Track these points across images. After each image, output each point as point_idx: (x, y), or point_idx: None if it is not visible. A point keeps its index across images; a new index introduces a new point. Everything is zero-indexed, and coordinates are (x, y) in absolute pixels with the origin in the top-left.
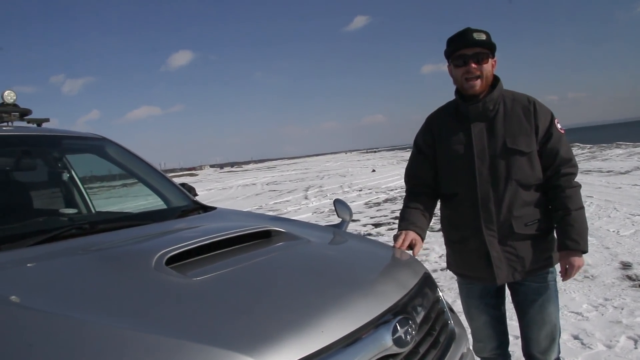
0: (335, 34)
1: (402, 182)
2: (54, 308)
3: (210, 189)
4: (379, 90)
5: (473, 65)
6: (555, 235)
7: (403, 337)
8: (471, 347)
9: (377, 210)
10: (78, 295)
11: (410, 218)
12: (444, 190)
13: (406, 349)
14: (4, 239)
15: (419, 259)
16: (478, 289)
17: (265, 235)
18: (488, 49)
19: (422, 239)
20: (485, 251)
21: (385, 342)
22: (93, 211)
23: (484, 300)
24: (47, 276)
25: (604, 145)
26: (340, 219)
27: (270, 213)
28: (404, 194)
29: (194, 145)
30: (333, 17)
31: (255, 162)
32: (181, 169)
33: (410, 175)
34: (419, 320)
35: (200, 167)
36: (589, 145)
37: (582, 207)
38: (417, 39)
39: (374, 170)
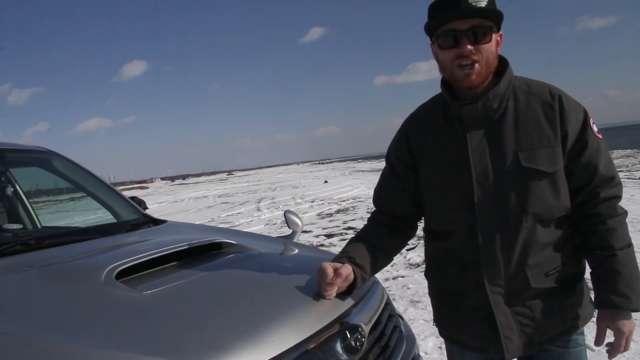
0: (292, 45)
1: (354, 193)
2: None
3: (162, 202)
4: (333, 101)
5: (468, 45)
6: (585, 283)
7: (353, 345)
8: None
9: (330, 221)
10: (23, 312)
11: (350, 251)
12: (430, 227)
13: (356, 356)
14: None
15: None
16: None
17: (216, 248)
18: (491, 19)
19: (360, 280)
20: (488, 313)
21: (336, 350)
22: (39, 226)
23: None
24: None
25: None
26: (291, 230)
27: (223, 226)
28: (358, 205)
29: (145, 157)
30: (290, 29)
31: (207, 174)
32: (131, 182)
33: (377, 199)
34: (368, 327)
35: (151, 180)
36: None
37: (631, 244)
38: (370, 50)
39: (326, 182)
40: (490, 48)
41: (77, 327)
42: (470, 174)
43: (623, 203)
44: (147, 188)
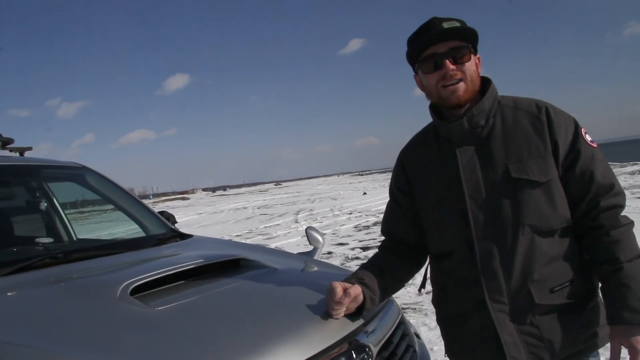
0: (331, 57)
1: None
2: (16, 338)
3: (202, 213)
4: (372, 112)
5: (451, 65)
6: (600, 301)
7: None
8: None
9: (366, 234)
10: (41, 325)
11: (360, 273)
12: (432, 250)
13: None
14: None
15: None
16: None
17: (235, 264)
18: (467, 40)
19: (369, 301)
20: (492, 334)
21: None
22: (74, 238)
23: None
24: (13, 307)
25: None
26: (312, 247)
27: (260, 237)
28: None
29: (187, 169)
30: (329, 41)
31: (248, 185)
32: (173, 193)
33: (384, 229)
34: (377, 348)
35: (193, 191)
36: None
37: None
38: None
39: (365, 193)
40: (472, 67)
41: (86, 341)
42: (463, 189)
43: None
44: (188, 199)
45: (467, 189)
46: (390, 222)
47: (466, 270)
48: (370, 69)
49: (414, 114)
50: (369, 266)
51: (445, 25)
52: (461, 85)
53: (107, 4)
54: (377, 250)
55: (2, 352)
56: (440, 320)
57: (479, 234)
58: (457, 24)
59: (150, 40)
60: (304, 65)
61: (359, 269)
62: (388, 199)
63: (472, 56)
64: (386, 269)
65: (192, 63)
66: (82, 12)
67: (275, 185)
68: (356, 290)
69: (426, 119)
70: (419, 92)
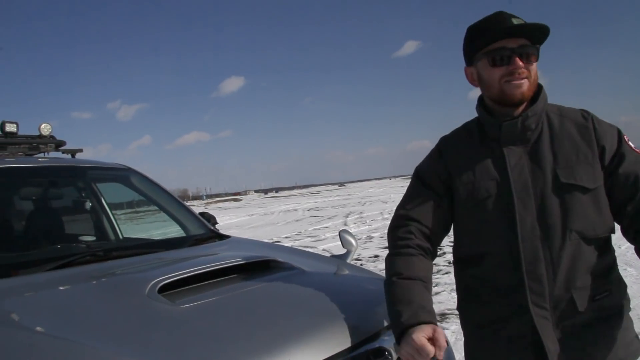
0: (386, 59)
1: None
2: (49, 330)
3: (252, 214)
4: (425, 115)
5: (520, 62)
6: (630, 317)
7: None
8: None
9: None
10: (71, 319)
11: (417, 300)
12: (464, 251)
13: None
14: (25, 264)
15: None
16: None
17: (264, 265)
18: (536, 42)
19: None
20: (531, 341)
21: None
22: (120, 236)
23: None
24: (48, 301)
25: None
26: (345, 250)
27: (308, 239)
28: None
29: (240, 170)
30: (384, 43)
31: (300, 187)
32: (226, 194)
33: (409, 214)
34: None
35: (245, 192)
36: None
37: None
38: (464, 64)
39: None
40: (535, 69)
41: (109, 335)
42: (511, 190)
43: None
44: (240, 200)
45: (515, 189)
46: (420, 208)
47: (505, 274)
48: (424, 71)
49: (467, 117)
50: (416, 280)
51: (515, 21)
52: (525, 82)
53: (164, 7)
54: (407, 250)
55: (32, 342)
56: (468, 328)
57: (525, 237)
58: (524, 22)
59: (208, 43)
60: (358, 67)
61: (407, 289)
62: (411, 184)
63: (536, 60)
64: (428, 281)
65: (248, 66)
66: (141, 16)
67: (339, 186)
68: (428, 331)
69: None
70: (473, 95)
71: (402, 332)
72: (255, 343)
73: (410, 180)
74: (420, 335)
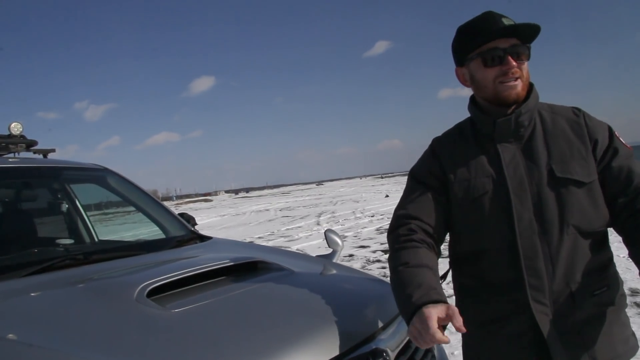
0: (357, 59)
1: None
2: (31, 339)
3: (224, 214)
4: (396, 115)
5: (513, 62)
6: (626, 314)
7: None
8: None
9: None
10: (57, 326)
11: (427, 282)
12: (461, 249)
13: None
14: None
15: None
16: None
17: (252, 266)
18: (527, 41)
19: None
20: (533, 339)
21: None
22: (96, 239)
23: None
24: (30, 307)
25: None
26: (331, 250)
27: (282, 239)
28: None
29: (210, 170)
30: (355, 43)
31: (271, 187)
32: (196, 195)
33: (409, 213)
34: (396, 351)
35: (216, 193)
36: None
37: None
38: (434, 63)
39: (387, 196)
40: (527, 68)
41: (99, 342)
42: (507, 187)
43: None
44: (211, 201)
45: (511, 186)
46: (419, 206)
47: (504, 271)
48: (395, 71)
49: (437, 117)
50: (424, 267)
51: (506, 21)
52: (519, 82)
53: (134, 6)
54: (411, 243)
55: (17, 352)
56: (467, 328)
57: (523, 232)
58: (514, 22)
59: (178, 42)
60: (328, 67)
61: (414, 273)
62: (407, 185)
63: (528, 57)
64: (435, 269)
65: (218, 65)
66: (109, 14)
67: (317, 185)
68: (442, 310)
69: (449, 122)
70: (443, 95)
71: (413, 313)
72: (253, 347)
73: (406, 181)
74: (433, 311)
